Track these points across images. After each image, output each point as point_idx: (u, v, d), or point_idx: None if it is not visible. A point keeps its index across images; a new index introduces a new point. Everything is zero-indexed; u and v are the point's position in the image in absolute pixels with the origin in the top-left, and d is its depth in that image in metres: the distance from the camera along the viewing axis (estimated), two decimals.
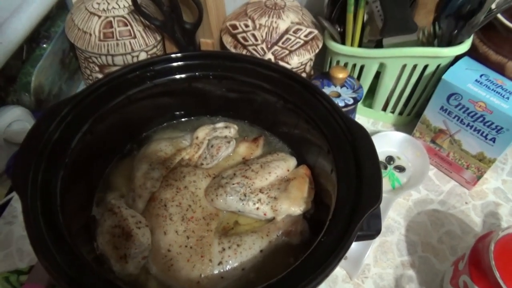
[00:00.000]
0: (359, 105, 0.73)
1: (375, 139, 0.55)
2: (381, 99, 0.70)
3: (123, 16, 0.64)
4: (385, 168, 0.66)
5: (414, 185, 0.63)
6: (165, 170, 0.45)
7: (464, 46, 0.59)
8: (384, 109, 0.72)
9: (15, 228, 0.59)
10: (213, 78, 0.49)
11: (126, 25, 0.64)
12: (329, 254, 0.33)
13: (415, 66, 0.62)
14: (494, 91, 0.55)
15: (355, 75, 0.68)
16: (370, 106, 0.73)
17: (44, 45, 0.72)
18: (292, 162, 0.48)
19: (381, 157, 0.66)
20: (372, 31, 0.62)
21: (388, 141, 0.68)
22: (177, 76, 0.48)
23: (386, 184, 0.64)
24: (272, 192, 0.43)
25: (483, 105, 0.54)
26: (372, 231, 0.39)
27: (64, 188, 0.37)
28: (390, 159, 0.67)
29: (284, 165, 0.46)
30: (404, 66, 0.63)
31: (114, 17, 0.64)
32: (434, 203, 0.63)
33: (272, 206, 0.42)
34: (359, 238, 0.39)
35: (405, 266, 0.56)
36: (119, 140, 0.48)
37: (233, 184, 0.43)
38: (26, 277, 0.53)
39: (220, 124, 0.50)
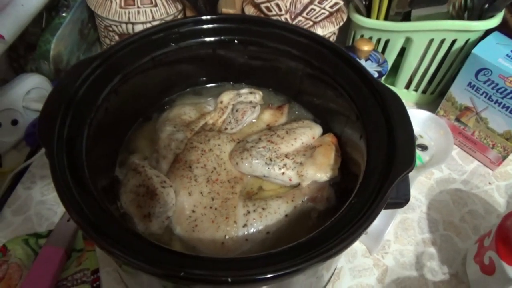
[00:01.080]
0: (381, 81, 0.71)
1: None
2: (404, 76, 0.69)
3: None
4: None
5: (436, 164, 0.61)
6: (189, 132, 0.44)
7: (496, 20, 0.57)
8: (407, 87, 0.71)
9: (34, 193, 0.59)
10: (239, 43, 0.47)
11: None
12: (361, 216, 0.32)
13: (442, 41, 0.61)
14: None
15: (380, 50, 0.66)
16: (392, 84, 0.72)
17: (64, 14, 0.71)
18: (317, 129, 0.46)
19: None
20: (400, 3, 0.60)
21: (411, 119, 0.66)
22: (202, 40, 0.47)
23: None
24: (297, 158, 0.42)
25: None
26: (401, 199, 0.38)
27: (89, 145, 0.37)
28: None
29: (309, 132, 0.45)
30: (431, 40, 0.61)
31: None
32: (457, 183, 0.62)
33: (298, 172, 0.41)
34: (388, 206, 0.38)
35: (426, 243, 0.55)
36: (142, 102, 0.47)
37: (259, 148, 0.42)
38: (45, 240, 0.53)
39: (244, 90, 0.49)
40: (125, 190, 0.40)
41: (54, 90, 0.38)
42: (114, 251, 0.29)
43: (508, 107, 0.55)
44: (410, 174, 0.58)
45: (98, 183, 0.37)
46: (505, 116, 0.56)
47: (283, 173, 0.41)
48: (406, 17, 0.61)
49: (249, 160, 0.41)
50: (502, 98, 0.55)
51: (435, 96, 0.70)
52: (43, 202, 0.58)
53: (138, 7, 0.63)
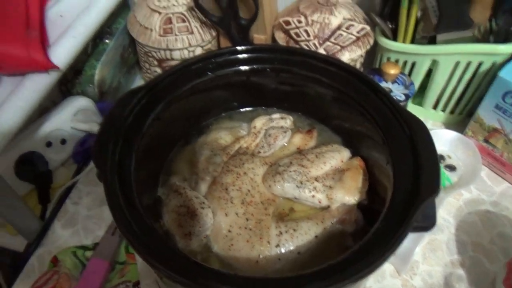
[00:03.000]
0: (409, 102, 0.73)
1: None
2: (431, 97, 0.70)
3: (181, 13, 0.68)
4: None
5: (465, 184, 0.62)
6: (225, 156, 0.47)
7: None
8: (435, 107, 0.72)
9: (81, 208, 0.64)
10: (270, 71, 0.51)
11: (184, 21, 0.68)
12: (388, 241, 0.34)
13: (469, 63, 0.62)
14: None
15: (406, 72, 0.68)
16: (420, 104, 0.73)
17: (107, 41, 0.77)
18: (346, 153, 0.49)
19: None
20: (426, 27, 0.62)
21: (439, 139, 0.67)
22: (237, 68, 0.50)
23: None
24: (327, 181, 0.45)
25: None
26: (427, 223, 0.40)
27: (136, 168, 0.41)
28: (440, 157, 0.66)
29: (338, 156, 0.48)
30: (457, 63, 0.62)
31: (173, 14, 0.67)
32: (486, 204, 0.62)
33: (327, 195, 0.44)
34: (415, 229, 0.40)
35: (455, 265, 0.56)
36: (181, 127, 0.51)
37: (290, 171, 0.45)
38: (91, 252, 0.57)
39: (276, 115, 0.52)
40: (167, 210, 0.43)
41: (105, 119, 0.42)
42: (158, 265, 0.32)
43: None
44: (438, 196, 0.59)
45: (144, 202, 0.41)
46: None
47: (313, 196, 0.44)
48: (432, 40, 0.63)
49: (281, 183, 0.44)
50: None
51: (463, 116, 0.71)
52: (89, 217, 0.62)
53: (176, 35, 0.67)
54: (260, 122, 0.51)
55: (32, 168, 0.65)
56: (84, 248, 0.58)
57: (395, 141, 0.42)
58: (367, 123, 0.46)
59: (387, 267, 0.55)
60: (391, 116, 0.44)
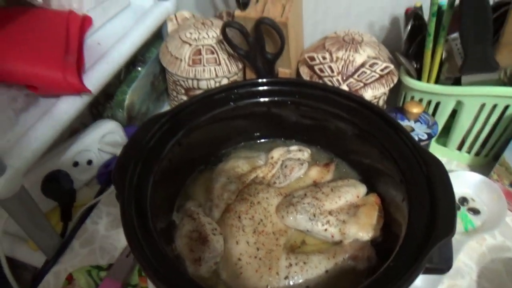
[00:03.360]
0: (433, 142, 0.72)
1: None
2: (456, 138, 0.69)
3: (211, 45, 0.71)
4: (458, 208, 0.63)
5: (489, 229, 0.60)
6: (241, 184, 0.48)
7: None
8: (460, 148, 0.71)
9: (100, 228, 0.65)
10: (291, 103, 0.52)
11: (213, 53, 0.70)
12: (396, 280, 0.33)
13: (495, 106, 0.61)
14: None
15: (430, 111, 0.67)
16: (444, 144, 0.72)
17: (139, 68, 0.81)
18: (362, 189, 0.48)
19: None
20: (451, 69, 0.62)
21: (463, 181, 0.65)
22: (258, 100, 0.52)
23: (458, 225, 0.62)
24: (341, 215, 0.44)
25: None
26: (443, 265, 0.39)
27: (153, 192, 0.42)
28: (463, 200, 0.65)
29: (354, 191, 0.47)
30: (483, 105, 0.62)
31: (203, 46, 0.70)
32: (511, 251, 0.59)
33: (340, 229, 0.43)
34: (429, 271, 0.38)
35: None
36: (200, 154, 0.53)
37: (304, 203, 0.45)
38: (105, 273, 0.58)
39: (294, 147, 0.53)
40: (180, 234, 0.44)
41: (128, 142, 0.44)
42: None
43: None
44: (460, 239, 0.58)
45: (158, 225, 0.41)
46: None
47: (325, 230, 0.43)
48: (457, 81, 0.63)
49: (294, 215, 0.44)
50: None
51: (489, 159, 0.69)
52: (106, 237, 0.64)
53: (204, 65, 0.70)
54: (277, 153, 0.52)
55: (57, 186, 0.68)
56: (99, 268, 0.59)
57: (413, 179, 0.41)
58: (385, 161, 0.46)
59: None
60: (410, 155, 0.43)
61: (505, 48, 0.57)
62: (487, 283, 0.56)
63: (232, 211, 0.45)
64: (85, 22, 0.66)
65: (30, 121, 0.56)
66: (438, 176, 0.40)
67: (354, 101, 0.49)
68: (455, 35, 0.59)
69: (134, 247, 0.34)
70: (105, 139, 0.74)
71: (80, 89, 0.57)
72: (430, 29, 0.59)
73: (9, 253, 0.70)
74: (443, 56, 0.62)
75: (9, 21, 0.58)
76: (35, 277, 0.61)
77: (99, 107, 0.82)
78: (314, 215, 0.44)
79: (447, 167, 0.70)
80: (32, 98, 0.58)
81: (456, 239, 0.57)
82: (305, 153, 0.52)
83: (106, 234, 0.64)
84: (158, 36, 0.84)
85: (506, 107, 0.60)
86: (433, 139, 0.69)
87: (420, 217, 0.38)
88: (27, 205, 0.55)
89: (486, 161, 0.70)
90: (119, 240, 0.63)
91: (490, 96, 0.60)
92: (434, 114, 0.67)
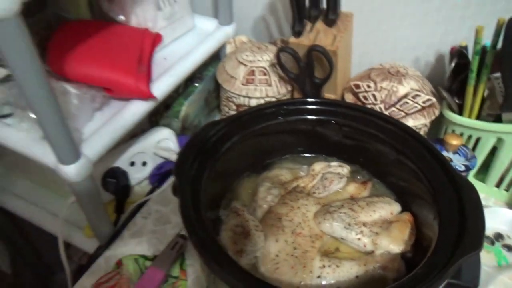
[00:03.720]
0: (471, 178, 0.73)
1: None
2: (495, 174, 0.70)
3: (264, 67, 0.77)
4: (492, 243, 0.64)
5: None
6: (283, 190, 0.53)
7: None
8: (498, 185, 0.71)
9: (148, 222, 0.71)
10: (335, 123, 0.56)
11: (265, 74, 0.77)
12: (420, 286, 0.36)
13: None
14: None
15: (470, 146, 0.69)
16: (483, 180, 0.73)
17: (196, 84, 0.89)
18: (396, 207, 0.52)
19: (489, 232, 0.65)
20: (492, 106, 0.64)
21: (499, 217, 0.66)
22: (304, 117, 0.57)
23: (491, 260, 0.63)
24: (374, 228, 0.48)
25: None
26: (470, 283, 0.41)
27: (205, 187, 0.47)
28: (498, 236, 0.65)
29: (388, 207, 0.50)
30: None
31: (257, 67, 0.77)
32: None
33: (372, 240, 0.47)
34: (454, 287, 0.41)
35: None
36: (248, 161, 0.58)
37: (340, 213, 0.48)
38: (150, 262, 0.63)
39: (335, 163, 0.57)
40: (225, 228, 0.49)
41: (189, 141, 0.50)
42: (218, 269, 0.37)
43: None
44: (492, 272, 0.59)
45: (208, 217, 0.47)
46: None
47: (359, 239, 0.47)
48: (498, 119, 0.65)
49: (330, 222, 0.48)
50: None
51: None
52: (153, 231, 0.70)
53: (256, 85, 0.77)
54: (319, 166, 0.56)
55: (115, 181, 0.75)
56: (145, 257, 0.65)
57: (444, 202, 0.44)
58: (420, 183, 0.49)
59: None
60: (444, 178, 0.46)
61: None
62: None
63: (273, 213, 0.49)
64: (156, 39, 0.75)
65: (103, 119, 0.65)
66: (469, 197, 0.43)
67: (393, 124, 0.53)
68: (498, 74, 0.62)
69: (191, 233, 0.39)
70: (160, 144, 0.82)
71: (148, 95, 0.65)
72: (473, 66, 0.62)
73: (67, 238, 0.77)
74: (485, 94, 0.65)
75: (94, 32, 0.67)
76: (88, 260, 0.68)
77: (157, 116, 0.90)
78: (349, 224, 0.47)
79: (484, 203, 0.72)
80: (107, 99, 0.66)
81: (488, 272, 0.59)
82: (345, 169, 0.56)
83: (153, 228, 0.70)
84: (215, 57, 0.93)
85: None
86: (472, 174, 0.71)
87: (450, 234, 0.41)
88: (91, 192, 0.62)
89: None
90: (165, 236, 0.68)
91: None
92: (474, 149, 0.69)
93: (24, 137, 0.60)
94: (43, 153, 0.58)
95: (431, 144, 0.50)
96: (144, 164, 0.81)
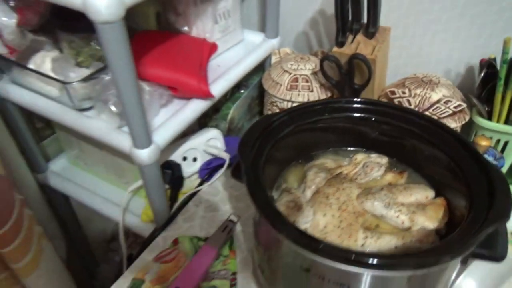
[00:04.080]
0: None
1: None
2: None
3: (306, 75, 0.86)
4: None
5: None
6: (329, 174, 0.60)
7: None
8: None
9: (199, 210, 0.79)
10: (374, 121, 0.64)
11: (307, 81, 0.85)
12: (449, 251, 0.42)
13: None
14: None
15: (499, 149, 0.75)
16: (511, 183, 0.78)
17: (242, 91, 0.98)
18: (431, 193, 0.58)
19: None
20: None
21: None
22: (347, 114, 0.64)
23: None
24: (411, 208, 0.54)
25: None
26: (497, 254, 0.46)
27: (263, 167, 0.55)
28: None
29: (424, 192, 0.57)
30: None
31: (300, 75, 0.86)
32: None
33: (410, 217, 0.53)
34: (483, 257, 0.47)
35: None
36: (297, 151, 0.65)
37: (381, 194, 0.55)
38: (203, 242, 0.71)
39: (374, 154, 0.64)
40: (279, 204, 0.56)
41: (253, 125, 0.58)
42: (281, 228, 0.45)
43: None
44: None
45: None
46: None
47: (397, 216, 0.53)
48: None
49: (372, 201, 0.54)
50: None
51: None
52: (203, 217, 0.78)
53: (299, 91, 0.85)
54: (360, 156, 0.63)
55: (171, 172, 0.84)
56: (199, 238, 0.73)
57: (477, 188, 0.50)
58: (454, 176, 0.55)
59: None
60: (475, 168, 0.52)
61: None
62: None
63: (321, 192, 0.56)
64: (213, 48, 0.85)
65: (167, 115, 0.74)
66: (498, 182, 0.49)
67: (429, 121, 0.59)
68: None
69: (258, 203, 0.47)
70: (209, 143, 0.91)
71: (208, 94, 0.74)
72: (501, 74, 0.69)
73: (126, 224, 0.86)
74: None
75: (162, 40, 0.78)
76: (147, 239, 0.76)
77: (206, 118, 1.00)
78: (389, 204, 0.54)
79: None
80: (171, 98, 0.76)
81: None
82: (384, 159, 0.63)
83: (203, 215, 0.78)
84: (259, 67, 1.02)
85: None
86: None
87: (480, 211, 0.47)
88: (157, 176, 0.71)
89: None
90: (214, 221, 0.76)
91: None
92: (502, 152, 0.75)
93: (103, 127, 0.70)
94: (119, 140, 0.68)
95: (463, 137, 0.56)
96: (194, 160, 0.90)
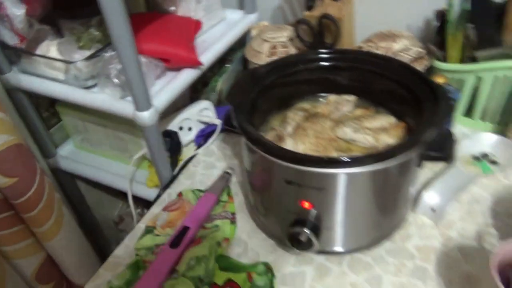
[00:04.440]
0: (460, 116, 0.88)
1: (471, 140, 0.77)
2: (479, 109, 0.85)
3: (284, 42, 0.96)
4: (479, 160, 0.79)
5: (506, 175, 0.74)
6: (307, 113, 0.70)
7: None
8: (483, 118, 0.86)
9: (198, 169, 0.89)
10: (341, 67, 0.73)
11: (285, 47, 0.95)
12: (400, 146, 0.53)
13: (505, 77, 0.78)
14: None
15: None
16: (470, 117, 0.88)
17: (227, 65, 1.08)
18: (392, 119, 0.68)
19: (476, 152, 0.80)
20: (468, 51, 0.80)
21: (484, 141, 0.80)
22: (319, 64, 0.74)
23: (477, 171, 0.77)
24: (375, 131, 0.64)
25: None
26: (445, 154, 0.57)
27: (253, 107, 0.65)
28: (485, 155, 0.80)
29: (386, 119, 0.67)
30: (496, 77, 0.79)
31: (278, 42, 0.96)
32: None
33: (375, 137, 0.63)
34: (434, 158, 0.57)
35: (488, 226, 0.67)
36: (279, 100, 0.75)
37: (350, 122, 0.65)
38: (203, 193, 0.81)
39: (345, 95, 0.74)
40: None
41: (244, 73, 0.68)
42: (270, 151, 0.54)
43: None
44: (476, 175, 0.73)
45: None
46: None
47: (364, 137, 0.63)
48: (476, 61, 0.81)
49: (342, 128, 0.64)
50: None
51: (510, 126, 0.84)
52: (203, 174, 0.87)
53: (278, 56, 0.95)
54: (333, 97, 0.73)
55: (170, 140, 0.94)
56: (199, 190, 0.82)
57: (428, 106, 0.60)
58: (412, 107, 0.65)
59: (427, 222, 0.69)
60: (426, 89, 0.62)
61: (507, 29, 0.75)
62: (501, 208, 0.70)
63: (300, 127, 0.66)
64: (197, 25, 0.94)
65: (162, 84, 0.84)
66: (441, 94, 0.59)
67: (388, 60, 0.69)
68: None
69: (244, 127, 0.57)
70: (202, 113, 1.00)
71: (196, 62, 0.84)
72: (449, 17, 0.78)
73: (134, 191, 0.96)
74: (464, 41, 0.81)
75: (152, 20, 0.87)
76: (155, 198, 0.85)
77: (198, 93, 1.09)
78: (357, 129, 0.64)
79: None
80: (164, 70, 0.86)
81: (471, 175, 0.73)
82: (352, 97, 0.73)
83: (202, 172, 0.88)
84: (242, 44, 1.12)
85: None
86: (460, 113, 0.86)
87: (428, 121, 0.57)
88: (158, 138, 0.80)
89: (507, 128, 0.84)
90: (212, 176, 0.85)
91: (501, 69, 0.77)
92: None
93: (108, 99, 0.80)
94: (123, 108, 0.77)
95: (416, 69, 0.66)
96: (189, 129, 0.99)
